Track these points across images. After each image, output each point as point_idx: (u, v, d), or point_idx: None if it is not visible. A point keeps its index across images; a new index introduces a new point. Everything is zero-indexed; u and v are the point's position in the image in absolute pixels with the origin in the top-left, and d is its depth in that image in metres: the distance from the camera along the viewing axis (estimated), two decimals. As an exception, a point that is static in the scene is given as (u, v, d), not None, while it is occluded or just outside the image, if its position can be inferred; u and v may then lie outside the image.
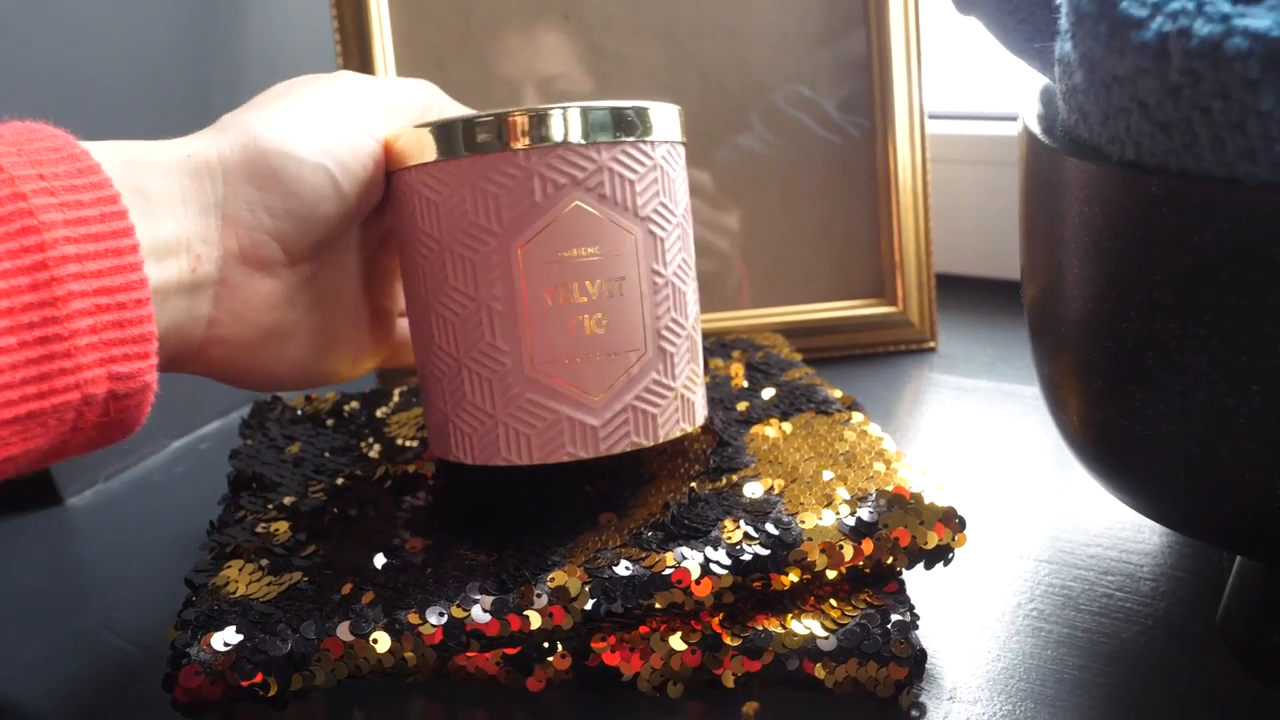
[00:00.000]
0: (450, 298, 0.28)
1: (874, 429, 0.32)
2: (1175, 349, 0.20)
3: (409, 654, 0.26)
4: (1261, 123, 0.16)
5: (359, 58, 0.44)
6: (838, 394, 0.35)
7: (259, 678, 0.25)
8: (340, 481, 0.33)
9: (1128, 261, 0.21)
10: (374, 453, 0.34)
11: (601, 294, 0.28)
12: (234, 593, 0.27)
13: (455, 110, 0.32)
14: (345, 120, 0.28)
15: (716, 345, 0.40)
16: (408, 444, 0.35)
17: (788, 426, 0.33)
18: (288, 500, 0.32)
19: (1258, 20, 0.15)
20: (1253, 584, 0.25)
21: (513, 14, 0.45)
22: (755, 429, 0.33)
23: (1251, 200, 0.18)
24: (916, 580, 0.30)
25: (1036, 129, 0.25)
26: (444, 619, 0.26)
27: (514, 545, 0.28)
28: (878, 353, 0.47)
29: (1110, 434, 0.24)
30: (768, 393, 0.35)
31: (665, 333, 0.29)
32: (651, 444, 0.29)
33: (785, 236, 0.47)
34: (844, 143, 0.47)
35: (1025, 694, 0.26)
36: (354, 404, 0.38)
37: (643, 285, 0.28)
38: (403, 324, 0.34)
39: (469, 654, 0.26)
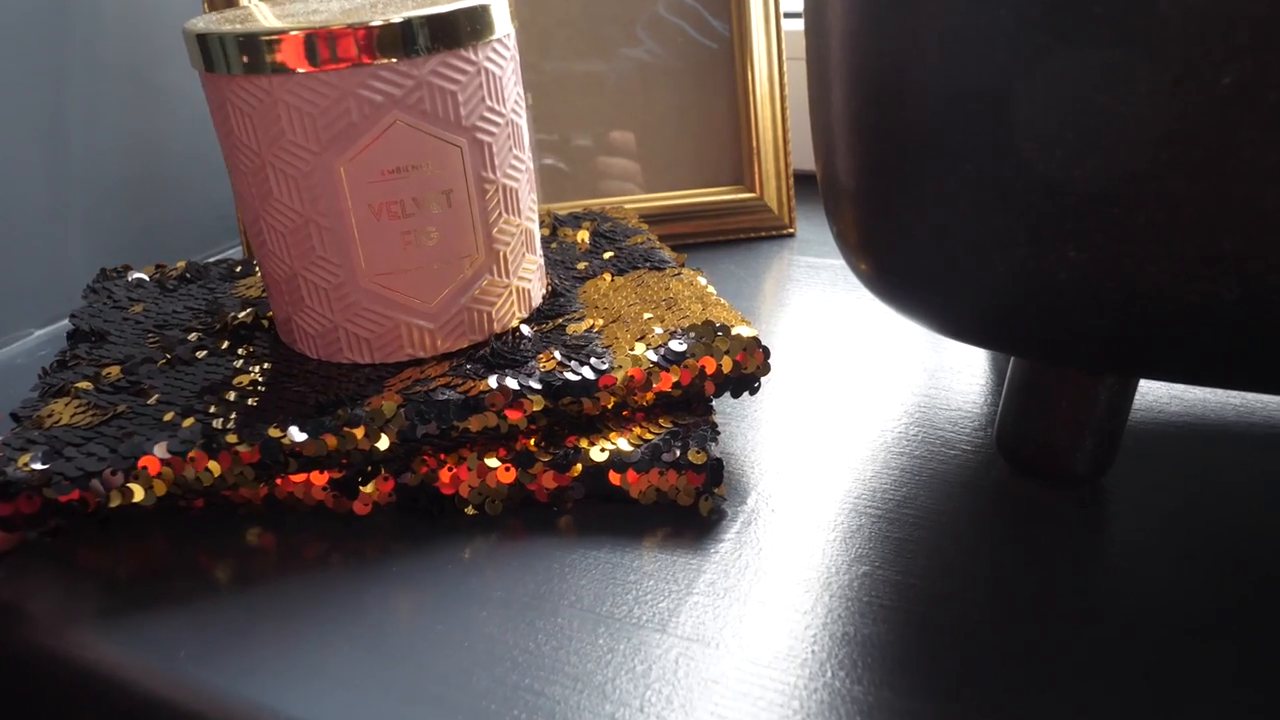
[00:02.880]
0: (278, 209, 0.28)
1: (701, 280, 0.34)
2: (929, 140, 0.22)
3: (227, 472, 0.27)
4: None
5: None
6: (672, 255, 0.37)
7: (75, 494, 0.26)
8: (178, 334, 0.33)
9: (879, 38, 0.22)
10: (217, 310, 0.35)
11: (430, 206, 0.28)
12: (58, 423, 0.28)
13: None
14: None
15: (570, 217, 0.41)
16: (248, 302, 0.36)
17: (620, 280, 0.34)
18: (123, 352, 0.32)
19: None
20: (1016, 391, 0.27)
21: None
22: (589, 283, 0.34)
23: None
24: (773, 430, 0.32)
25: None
26: (260, 439, 0.27)
27: (345, 377, 0.29)
28: (740, 239, 0.49)
29: (883, 248, 0.25)
30: (608, 254, 0.37)
31: (497, 234, 0.30)
32: (486, 338, 0.30)
33: (652, 130, 0.49)
34: (719, 47, 0.49)
35: (829, 504, 0.28)
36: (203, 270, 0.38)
37: (471, 192, 0.29)
38: None
39: (292, 477, 0.28)
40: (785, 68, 0.49)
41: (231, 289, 0.37)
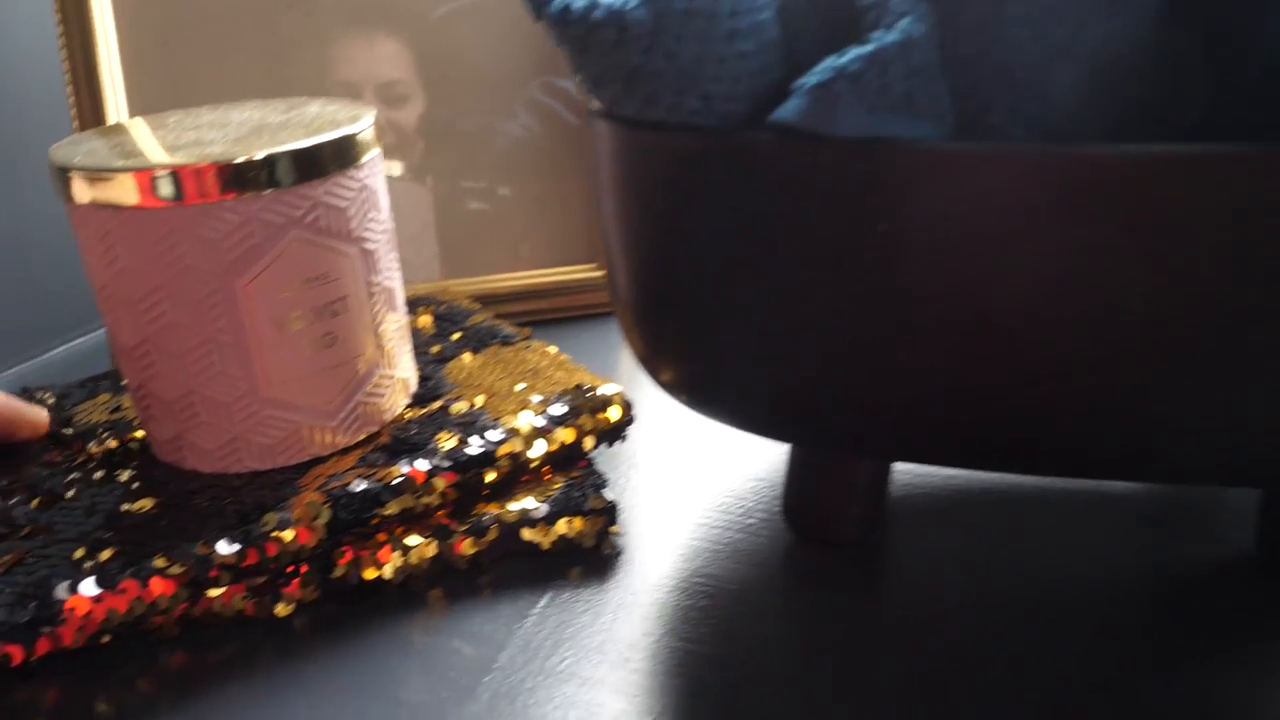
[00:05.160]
0: (173, 333, 0.29)
1: (551, 349, 0.38)
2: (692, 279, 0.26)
3: (159, 598, 0.27)
4: (637, 76, 0.22)
5: (80, 37, 0.43)
6: (515, 329, 0.41)
7: (4, 649, 0.25)
8: (38, 471, 0.32)
9: (643, 202, 0.26)
10: (66, 441, 0.34)
11: (325, 314, 0.30)
12: (-48, 580, 0.27)
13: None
14: None
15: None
16: (104, 427, 0.35)
17: (479, 358, 0.38)
18: (-17, 497, 0.31)
19: None
20: (795, 467, 0.32)
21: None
22: (451, 364, 0.38)
23: (679, 142, 0.24)
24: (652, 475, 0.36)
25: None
26: (191, 558, 0.27)
27: (249, 484, 0.30)
28: (593, 314, 0.53)
29: (680, 366, 0.29)
30: (455, 335, 0.40)
31: (383, 332, 0.32)
32: (380, 428, 0.33)
33: (508, 210, 0.52)
34: (582, 126, 0.53)
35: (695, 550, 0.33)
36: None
37: (362, 296, 0.31)
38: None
39: (217, 590, 0.28)
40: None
41: (72, 414, 0.36)
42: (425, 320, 0.41)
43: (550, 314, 0.53)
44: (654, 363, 0.29)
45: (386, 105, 0.50)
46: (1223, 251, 0.21)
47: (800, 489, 0.32)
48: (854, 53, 0.21)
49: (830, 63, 0.21)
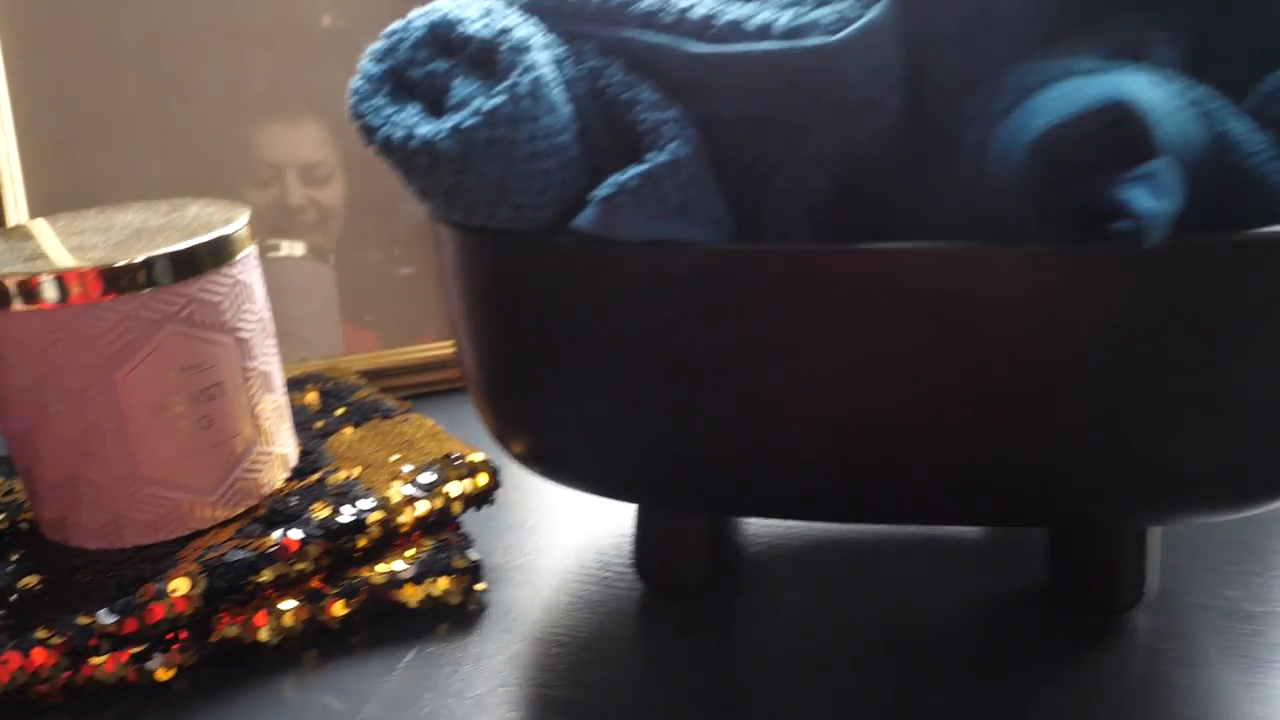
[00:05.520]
0: (57, 421, 0.31)
1: (428, 421, 0.41)
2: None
3: (41, 667, 0.29)
4: (454, 192, 0.25)
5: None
6: (396, 403, 0.44)
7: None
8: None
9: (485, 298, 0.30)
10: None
11: (202, 399, 0.33)
12: None
13: None
14: None
15: (292, 382, 0.46)
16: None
17: (360, 431, 0.41)
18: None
19: (424, 127, 0.25)
20: (642, 521, 0.35)
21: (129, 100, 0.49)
22: (332, 438, 0.40)
23: (499, 244, 0.27)
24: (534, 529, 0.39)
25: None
26: (71, 628, 0.30)
27: (131, 559, 0.33)
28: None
29: (526, 440, 0.32)
30: (339, 411, 0.43)
31: (260, 412, 0.35)
32: (258, 501, 0.35)
33: (410, 287, 0.55)
34: None
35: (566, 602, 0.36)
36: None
37: (237, 382, 0.34)
38: None
39: (99, 659, 0.31)
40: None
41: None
42: (312, 397, 0.44)
43: (449, 385, 0.56)
44: (504, 437, 0.33)
45: (305, 185, 0.54)
46: (940, 333, 0.25)
47: (647, 544, 0.35)
48: (633, 170, 0.25)
49: (614, 179, 0.25)
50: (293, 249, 0.56)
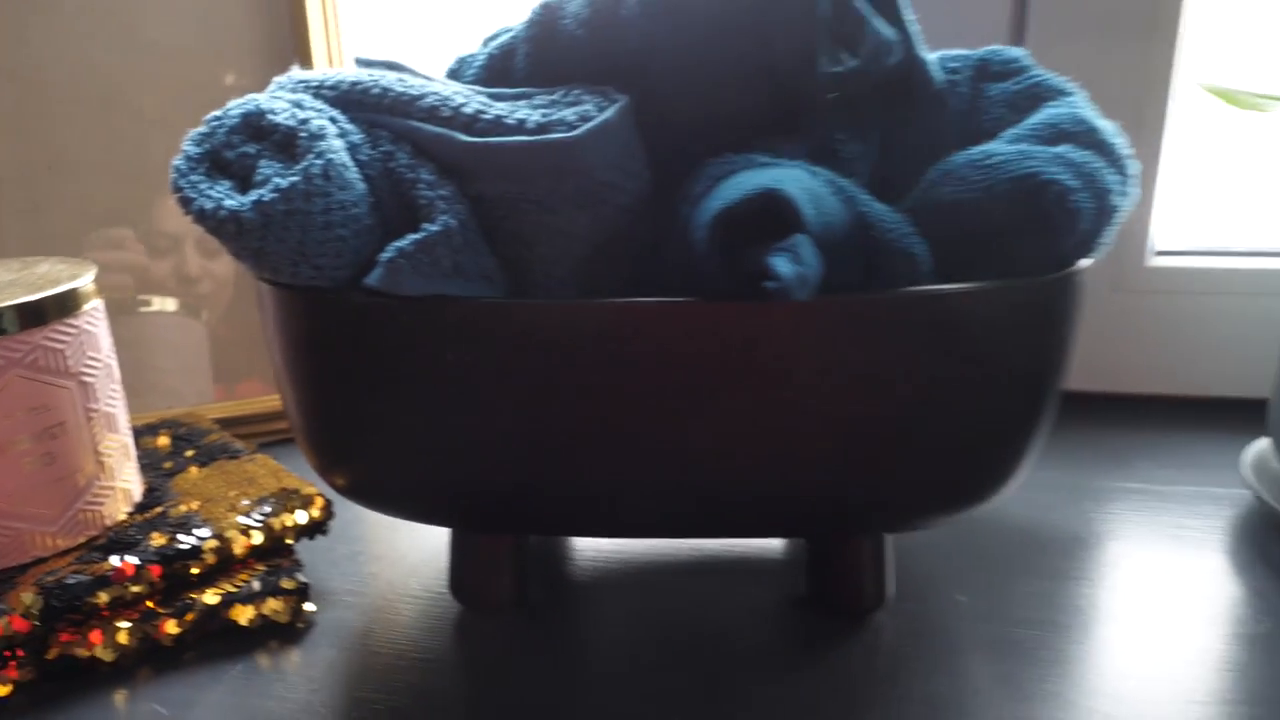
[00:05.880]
0: None
1: (271, 461, 0.45)
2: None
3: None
4: (261, 254, 0.30)
5: None
6: (245, 445, 0.48)
7: None
8: None
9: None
10: None
11: (45, 437, 0.37)
12: None
13: None
14: None
15: (146, 428, 0.49)
16: None
17: (205, 470, 0.44)
18: None
19: (231, 200, 0.29)
20: (454, 545, 0.39)
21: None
22: (179, 477, 0.44)
23: (305, 298, 0.32)
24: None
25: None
26: (-89, 646, 0.33)
27: (-28, 583, 0.36)
28: None
29: (341, 476, 0.37)
30: (189, 453, 0.46)
31: (103, 450, 0.39)
32: (100, 532, 0.39)
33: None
34: None
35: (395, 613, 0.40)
36: None
37: (81, 421, 0.38)
38: None
39: (-62, 676, 0.33)
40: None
41: None
42: (164, 440, 0.48)
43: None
44: (326, 473, 0.37)
45: (154, 258, 0.57)
46: (665, 372, 0.31)
47: (460, 565, 0.40)
48: (410, 237, 0.30)
49: (396, 244, 0.30)
50: (164, 304, 0.59)
